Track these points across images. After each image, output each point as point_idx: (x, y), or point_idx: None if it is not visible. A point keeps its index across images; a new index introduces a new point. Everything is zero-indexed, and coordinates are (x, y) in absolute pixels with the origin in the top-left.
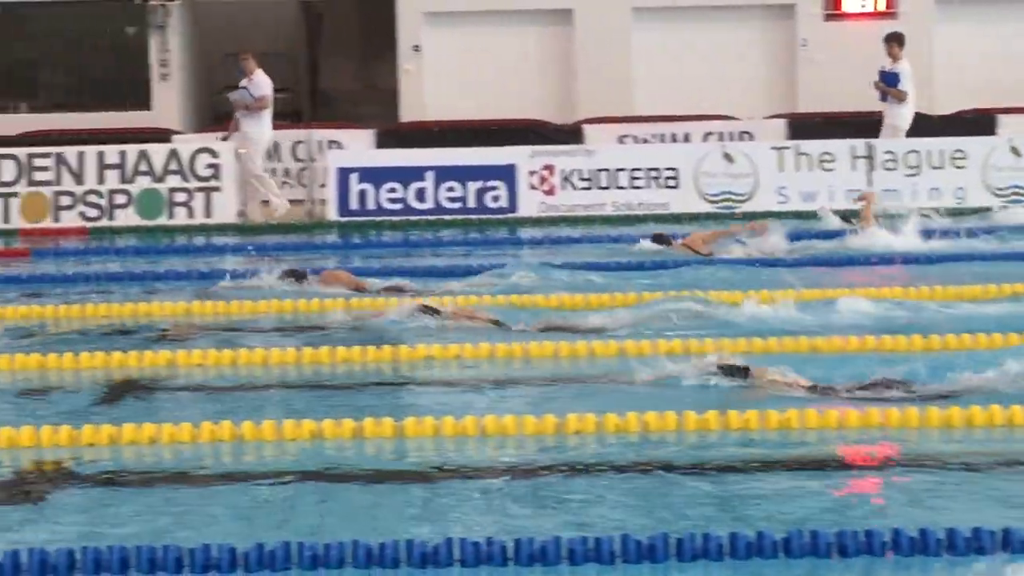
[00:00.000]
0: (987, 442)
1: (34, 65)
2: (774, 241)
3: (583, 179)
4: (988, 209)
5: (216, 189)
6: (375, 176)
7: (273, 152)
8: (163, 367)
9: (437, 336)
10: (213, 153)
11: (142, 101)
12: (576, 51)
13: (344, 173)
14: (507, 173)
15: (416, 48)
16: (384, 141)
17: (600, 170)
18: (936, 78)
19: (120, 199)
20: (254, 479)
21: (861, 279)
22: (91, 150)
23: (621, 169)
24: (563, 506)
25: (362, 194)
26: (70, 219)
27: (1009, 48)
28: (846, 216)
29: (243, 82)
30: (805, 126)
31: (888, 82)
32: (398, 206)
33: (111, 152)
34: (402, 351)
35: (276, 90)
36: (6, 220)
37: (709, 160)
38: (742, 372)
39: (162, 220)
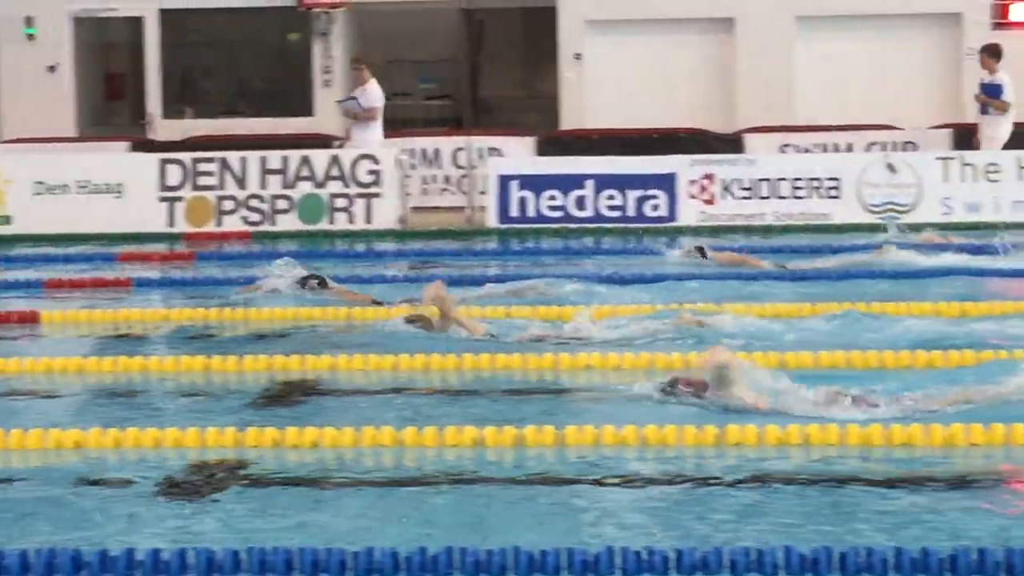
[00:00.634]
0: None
1: (199, 72)
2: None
3: (743, 188)
4: None
5: (377, 195)
6: (535, 184)
7: (434, 158)
8: (325, 370)
9: (595, 345)
10: (374, 159)
11: (305, 107)
12: (737, 59)
13: (504, 180)
14: (667, 182)
15: (577, 56)
16: (544, 149)
17: (761, 179)
18: None
19: (282, 204)
20: (414, 484)
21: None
22: (254, 155)
23: (782, 179)
24: (722, 516)
25: (522, 201)
26: (233, 223)
27: None
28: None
29: (355, 91)
30: (970, 136)
31: (990, 94)
32: (558, 214)
33: (274, 158)
34: (563, 359)
35: (437, 97)
36: (171, 224)
37: (872, 170)
38: (700, 384)
39: (323, 225)
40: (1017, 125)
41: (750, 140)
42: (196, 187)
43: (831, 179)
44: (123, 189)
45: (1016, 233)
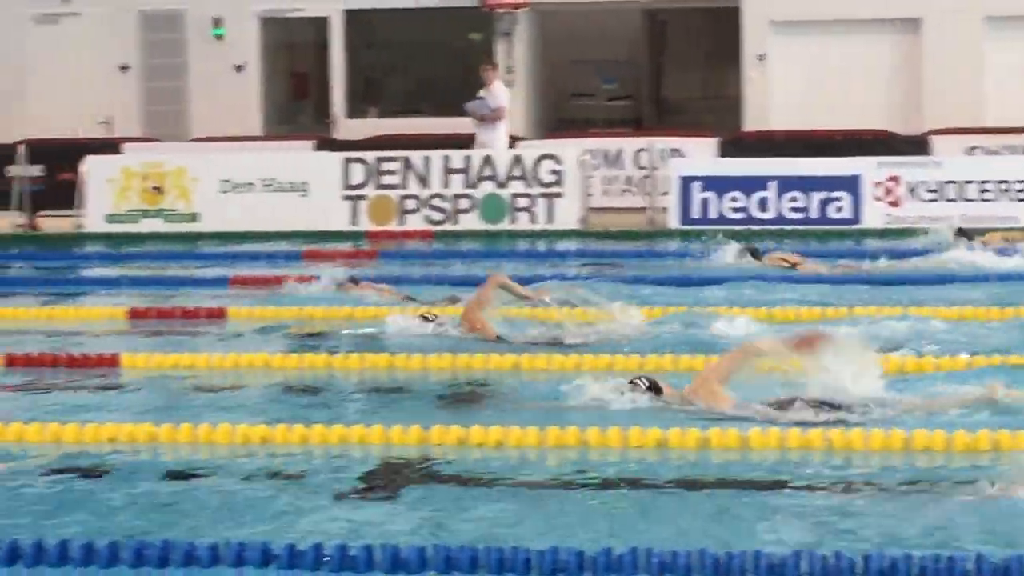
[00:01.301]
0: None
1: (383, 71)
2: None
3: (930, 191)
4: None
5: (558, 195)
6: (717, 185)
7: (615, 159)
8: (508, 370)
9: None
10: (556, 159)
11: None
12: (924, 60)
13: (686, 181)
14: (851, 184)
15: (761, 57)
16: (727, 150)
17: (947, 182)
18: None
19: (464, 203)
20: (596, 486)
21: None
22: (437, 155)
23: (969, 181)
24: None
25: (704, 203)
26: (415, 222)
27: None
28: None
29: (481, 92)
30: None
31: None
32: (740, 215)
33: (456, 157)
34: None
35: (619, 97)
36: (354, 222)
37: None
38: (655, 389)
39: (504, 225)
40: None
41: (936, 142)
42: (379, 186)
43: (1020, 182)
44: (307, 187)
45: None
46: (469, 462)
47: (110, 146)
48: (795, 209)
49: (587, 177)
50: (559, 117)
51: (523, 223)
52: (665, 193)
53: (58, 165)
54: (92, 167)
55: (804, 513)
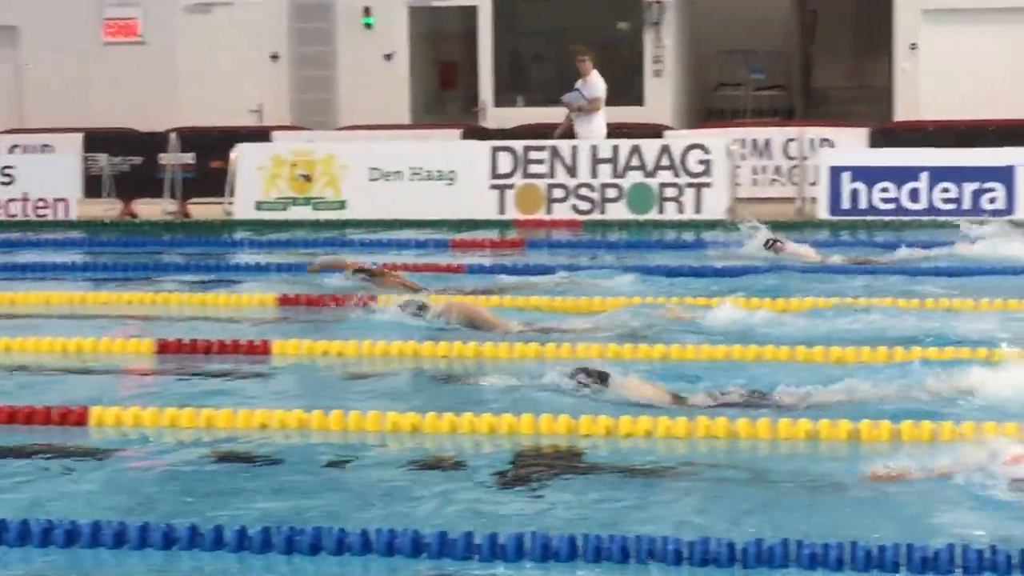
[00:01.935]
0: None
1: (530, 60)
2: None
3: None
4: None
5: (706, 185)
6: (868, 175)
7: (764, 149)
8: (657, 359)
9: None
10: (704, 149)
11: (635, 97)
12: None
13: (836, 172)
14: (1005, 175)
15: (913, 46)
16: (877, 140)
17: None
18: None
19: (611, 193)
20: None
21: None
22: (584, 144)
23: None
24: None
25: (854, 193)
26: (563, 212)
27: None
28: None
29: (578, 83)
30: None
31: None
32: (890, 206)
33: (604, 147)
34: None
35: (768, 87)
36: (502, 211)
37: None
38: (601, 377)
39: (652, 215)
40: None
41: None
42: (527, 175)
43: None
44: (455, 176)
45: None
46: (621, 452)
47: (260, 134)
48: (947, 200)
49: (735, 167)
50: (706, 107)
51: (670, 213)
52: (814, 183)
53: (209, 153)
54: (242, 155)
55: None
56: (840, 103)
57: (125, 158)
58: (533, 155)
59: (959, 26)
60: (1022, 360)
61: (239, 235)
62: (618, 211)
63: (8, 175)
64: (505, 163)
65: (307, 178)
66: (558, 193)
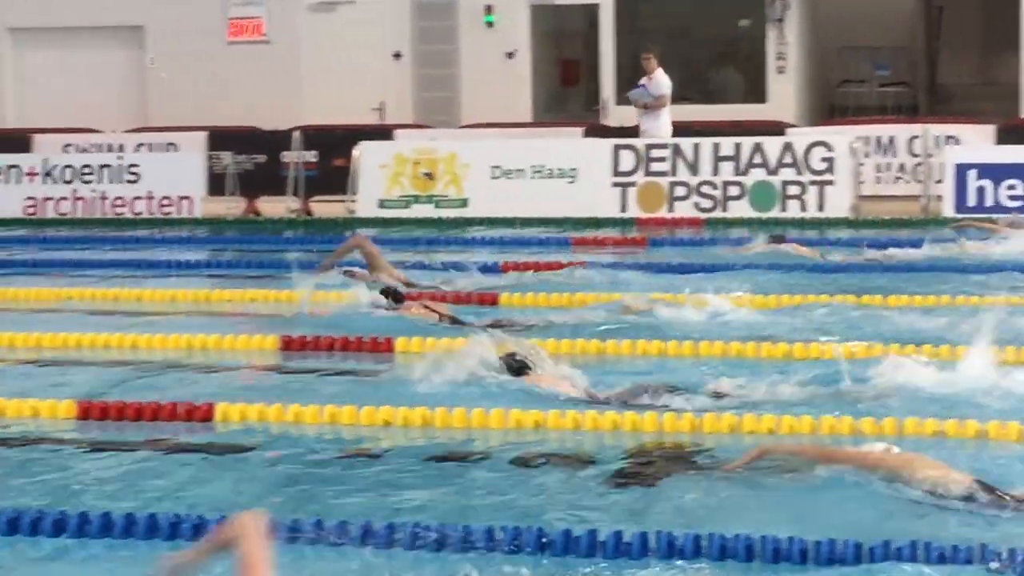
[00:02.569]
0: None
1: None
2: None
3: None
4: None
5: (830, 183)
6: (995, 173)
7: (888, 146)
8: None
9: None
10: (828, 146)
11: (757, 94)
12: None
13: (962, 169)
14: None
15: None
16: (1004, 137)
17: None
18: None
19: (734, 191)
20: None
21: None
22: (706, 142)
23: None
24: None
25: (980, 191)
26: (685, 209)
27: None
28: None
29: (643, 80)
30: None
31: None
32: (1017, 203)
33: (726, 144)
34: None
35: (892, 84)
36: (623, 209)
37: None
38: (521, 367)
39: (774, 212)
40: None
41: None
42: (648, 173)
43: None
44: (576, 174)
45: None
46: (738, 452)
47: (382, 132)
48: None
49: (859, 164)
50: (830, 104)
51: (793, 211)
52: (939, 181)
53: (332, 151)
54: (365, 153)
55: None
56: (966, 99)
57: (249, 156)
58: (655, 153)
59: None
60: (933, 359)
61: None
62: (740, 209)
63: (134, 173)
64: (627, 161)
65: (429, 176)
66: (680, 191)
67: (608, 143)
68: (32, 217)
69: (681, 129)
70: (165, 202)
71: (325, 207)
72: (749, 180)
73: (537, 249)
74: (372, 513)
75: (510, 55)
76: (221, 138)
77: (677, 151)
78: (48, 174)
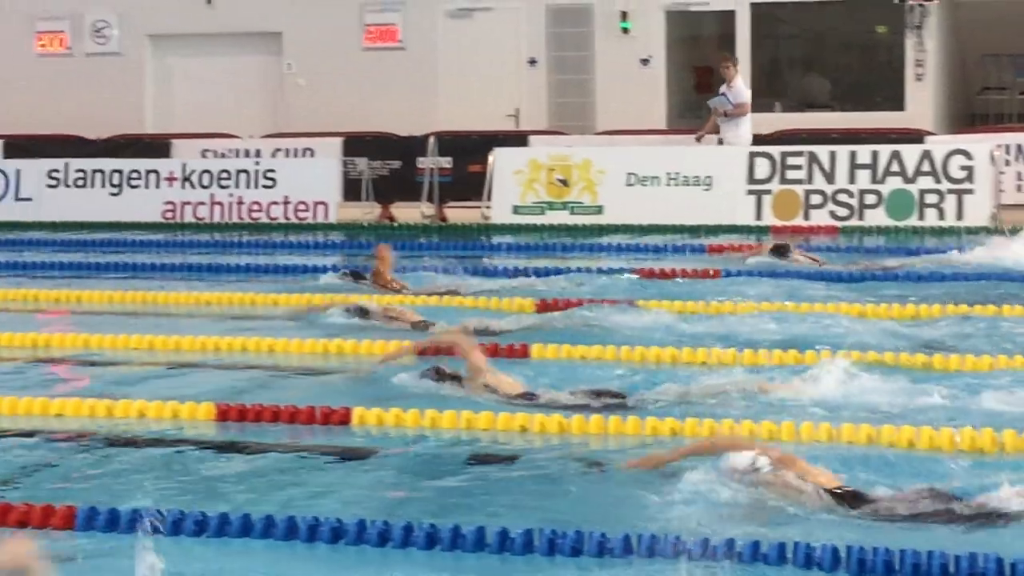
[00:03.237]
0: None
1: (787, 64)
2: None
3: None
4: None
5: (969, 191)
6: None
7: (1018, 153)
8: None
9: None
10: (967, 155)
11: (895, 101)
12: None
13: None
14: None
15: None
16: None
17: None
18: None
19: (870, 199)
20: None
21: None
22: (843, 149)
23: None
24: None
25: None
26: (820, 217)
27: None
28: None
29: (722, 88)
30: None
31: None
32: None
33: (863, 152)
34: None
35: None
36: (759, 217)
37: None
38: (454, 377)
39: (912, 221)
40: None
41: None
42: (784, 180)
43: None
44: (712, 181)
45: None
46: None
47: (517, 138)
48: None
49: (999, 173)
50: (970, 112)
51: (931, 219)
52: None
53: (466, 157)
54: (499, 159)
55: None
56: None
57: (384, 162)
58: (791, 160)
59: None
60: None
61: (496, 239)
62: (877, 217)
63: (270, 178)
64: (762, 168)
65: (564, 182)
66: (816, 199)
67: (743, 151)
68: (170, 221)
69: (818, 136)
70: (301, 207)
71: (460, 213)
72: (886, 188)
73: (672, 255)
74: (510, 520)
75: (645, 61)
76: (356, 144)
77: (813, 158)
78: (186, 179)
